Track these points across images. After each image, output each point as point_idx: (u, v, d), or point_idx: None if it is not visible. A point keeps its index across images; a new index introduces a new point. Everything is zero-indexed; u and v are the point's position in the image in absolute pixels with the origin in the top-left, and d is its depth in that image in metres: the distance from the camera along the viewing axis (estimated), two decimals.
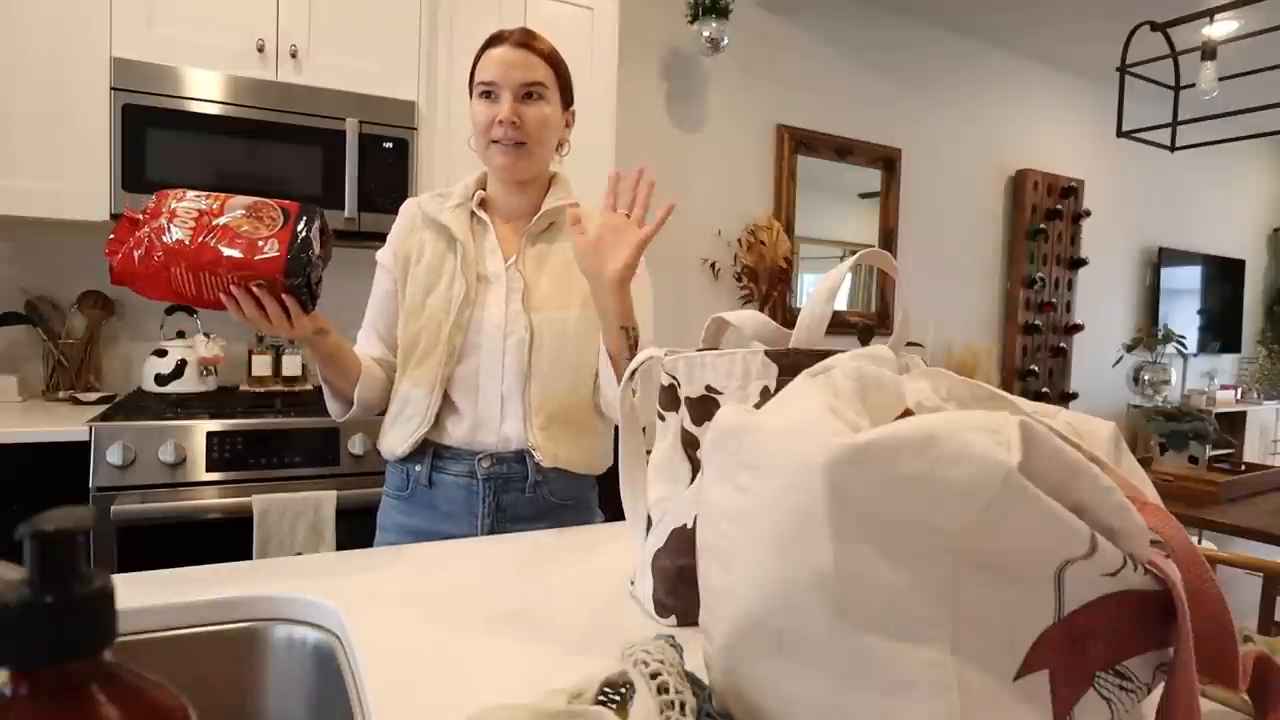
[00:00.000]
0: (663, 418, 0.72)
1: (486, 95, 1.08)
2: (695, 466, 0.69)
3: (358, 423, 1.83)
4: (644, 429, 0.75)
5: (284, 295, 0.91)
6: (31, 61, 1.81)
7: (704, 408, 0.68)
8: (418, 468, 1.12)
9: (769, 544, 0.41)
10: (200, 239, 0.87)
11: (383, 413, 1.17)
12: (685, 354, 0.69)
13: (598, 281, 0.97)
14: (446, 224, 1.12)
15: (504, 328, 1.10)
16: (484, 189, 1.17)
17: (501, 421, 1.10)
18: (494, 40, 1.10)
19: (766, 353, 0.66)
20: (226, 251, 0.87)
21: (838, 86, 3.52)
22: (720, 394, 0.67)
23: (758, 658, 0.42)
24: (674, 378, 0.70)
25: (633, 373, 0.72)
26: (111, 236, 0.90)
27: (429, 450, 1.12)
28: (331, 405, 1.15)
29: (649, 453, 0.75)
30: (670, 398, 0.71)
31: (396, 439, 1.11)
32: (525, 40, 1.09)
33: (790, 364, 0.66)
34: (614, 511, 1.00)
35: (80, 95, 1.85)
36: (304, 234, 0.90)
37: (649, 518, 0.72)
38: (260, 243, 0.89)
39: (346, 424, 1.78)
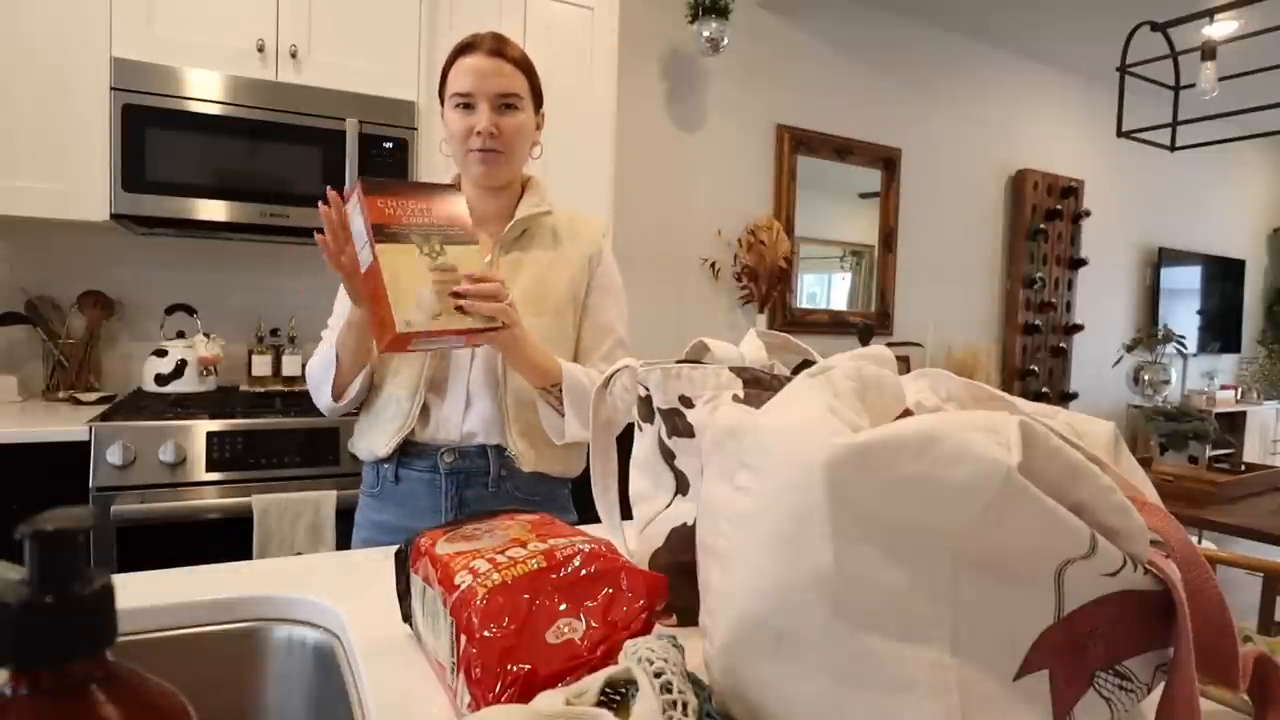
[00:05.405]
0: (640, 428, 0.74)
1: (463, 105, 1.09)
2: (676, 475, 0.70)
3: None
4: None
5: None
6: (32, 61, 1.81)
7: (676, 420, 0.69)
8: (386, 465, 1.13)
9: (769, 544, 0.41)
10: None
11: (356, 410, 1.17)
12: (661, 365, 0.70)
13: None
14: None
15: None
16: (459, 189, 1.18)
17: (465, 420, 1.11)
18: (466, 48, 1.10)
19: (731, 369, 0.69)
20: None
21: (838, 86, 3.52)
22: (692, 408, 0.69)
23: (758, 658, 0.42)
24: (647, 389, 0.71)
25: (607, 382, 0.74)
26: None
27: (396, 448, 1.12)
28: (328, 401, 1.12)
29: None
30: (646, 409, 0.72)
31: (380, 440, 1.12)
32: (498, 48, 1.09)
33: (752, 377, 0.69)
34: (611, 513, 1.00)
35: (80, 95, 1.85)
36: None
37: (631, 523, 0.72)
38: None
39: (346, 424, 1.78)
